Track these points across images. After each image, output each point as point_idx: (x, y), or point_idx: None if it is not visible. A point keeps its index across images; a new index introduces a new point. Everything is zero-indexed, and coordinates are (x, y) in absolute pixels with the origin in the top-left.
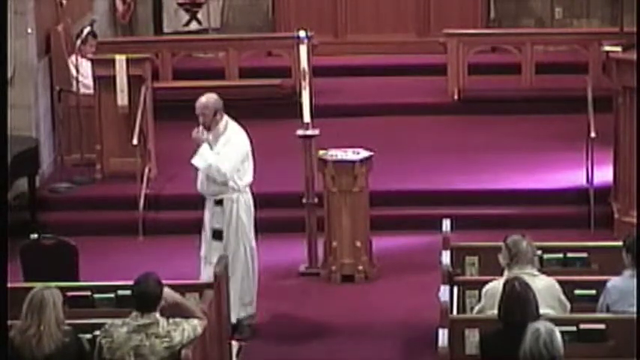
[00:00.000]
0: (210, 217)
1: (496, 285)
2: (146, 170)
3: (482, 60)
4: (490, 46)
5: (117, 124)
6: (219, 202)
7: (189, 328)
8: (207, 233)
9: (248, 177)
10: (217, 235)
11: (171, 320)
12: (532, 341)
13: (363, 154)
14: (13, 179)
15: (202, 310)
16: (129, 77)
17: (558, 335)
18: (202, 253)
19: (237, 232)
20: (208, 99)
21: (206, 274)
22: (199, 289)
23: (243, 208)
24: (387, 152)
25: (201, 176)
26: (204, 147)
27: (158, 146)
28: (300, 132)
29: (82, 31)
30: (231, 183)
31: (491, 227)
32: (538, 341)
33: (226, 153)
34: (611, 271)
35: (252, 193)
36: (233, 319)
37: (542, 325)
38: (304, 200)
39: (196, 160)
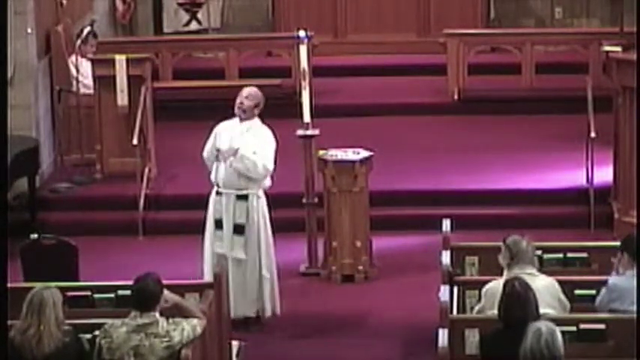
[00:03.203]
0: (230, 212)
1: (496, 285)
2: (146, 170)
3: (482, 60)
4: (490, 46)
5: (117, 124)
6: (243, 197)
7: (189, 327)
8: (226, 228)
9: (269, 179)
10: (239, 229)
11: (170, 320)
12: (533, 340)
13: (363, 154)
14: (13, 179)
15: (202, 310)
16: (129, 77)
17: (559, 335)
18: (220, 250)
19: (264, 228)
20: (254, 89)
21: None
22: (199, 289)
23: (265, 205)
24: (387, 152)
25: (227, 169)
26: (243, 151)
27: (158, 146)
28: (300, 132)
29: (82, 31)
30: (266, 181)
31: (491, 227)
32: (539, 340)
33: (266, 151)
34: (611, 271)
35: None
36: (270, 312)
37: (543, 325)
38: (304, 200)
39: (237, 164)
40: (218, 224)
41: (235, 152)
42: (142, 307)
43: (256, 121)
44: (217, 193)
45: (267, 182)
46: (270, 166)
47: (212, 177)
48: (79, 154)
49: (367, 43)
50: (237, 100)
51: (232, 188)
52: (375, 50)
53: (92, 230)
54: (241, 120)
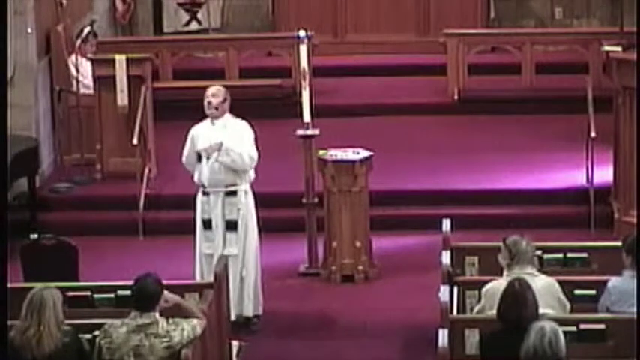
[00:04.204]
0: (219, 210)
1: (496, 285)
2: (146, 170)
3: (482, 60)
4: (490, 46)
5: (117, 124)
6: (232, 194)
7: (189, 327)
8: (217, 228)
9: (253, 172)
10: (232, 226)
11: (170, 320)
12: (536, 339)
13: (363, 154)
14: (13, 179)
15: (202, 310)
16: (129, 77)
17: (562, 335)
18: (208, 250)
19: (252, 226)
20: (217, 86)
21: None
22: (199, 289)
23: (252, 201)
24: (387, 152)
25: (212, 167)
26: (227, 144)
27: (158, 146)
28: (300, 132)
29: (82, 31)
30: (251, 173)
31: (491, 227)
32: (543, 339)
33: (247, 141)
34: (611, 271)
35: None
36: (250, 313)
37: (547, 324)
38: (304, 200)
39: (223, 157)
40: (206, 224)
41: (220, 147)
42: (141, 307)
43: (228, 116)
44: (204, 193)
45: (252, 174)
46: (255, 155)
47: (196, 179)
48: (79, 154)
49: (367, 43)
50: (205, 101)
51: (220, 186)
52: (375, 50)
53: (92, 230)
54: (214, 119)
